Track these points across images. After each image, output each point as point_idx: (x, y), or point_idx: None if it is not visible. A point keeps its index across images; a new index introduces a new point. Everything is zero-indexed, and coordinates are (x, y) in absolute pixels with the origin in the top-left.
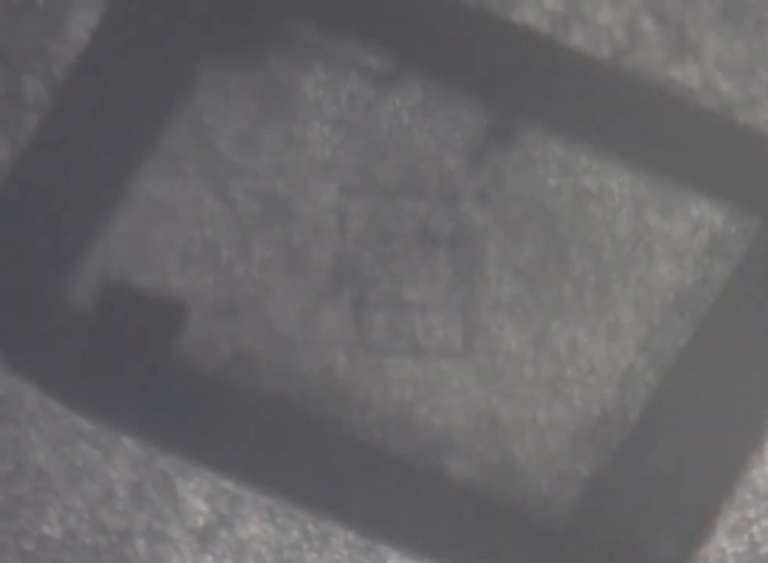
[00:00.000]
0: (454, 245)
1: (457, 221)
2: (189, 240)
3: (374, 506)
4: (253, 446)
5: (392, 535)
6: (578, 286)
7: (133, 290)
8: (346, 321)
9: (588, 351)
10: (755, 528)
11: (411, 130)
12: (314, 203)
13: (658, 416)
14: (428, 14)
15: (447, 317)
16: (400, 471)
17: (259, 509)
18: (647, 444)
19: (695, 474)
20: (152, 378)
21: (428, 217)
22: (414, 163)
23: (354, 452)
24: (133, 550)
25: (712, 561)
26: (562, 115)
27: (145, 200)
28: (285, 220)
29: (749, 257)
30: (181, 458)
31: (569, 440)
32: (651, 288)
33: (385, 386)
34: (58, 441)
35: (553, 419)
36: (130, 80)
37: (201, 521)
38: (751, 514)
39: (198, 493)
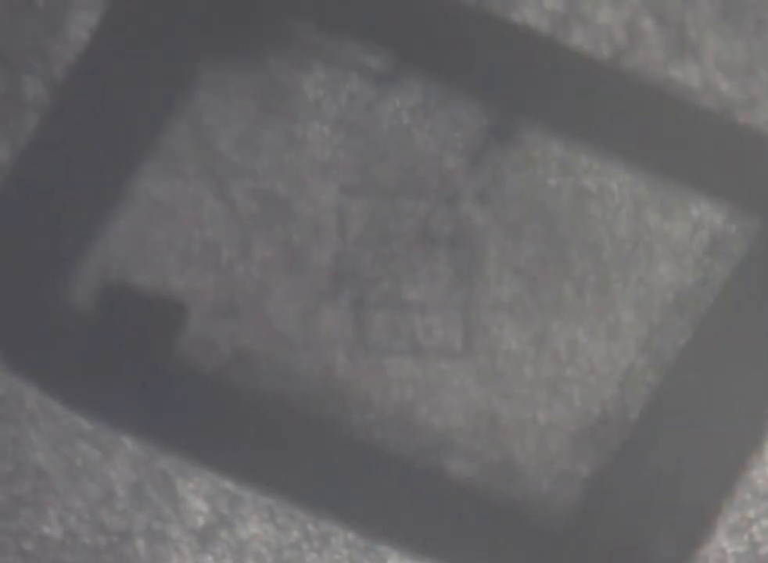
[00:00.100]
0: (454, 245)
1: (457, 221)
2: (189, 240)
3: (374, 506)
4: (253, 446)
5: (392, 535)
6: (578, 286)
7: (133, 290)
8: (346, 321)
9: (588, 351)
10: (755, 528)
11: (411, 130)
12: (314, 203)
13: (658, 416)
14: (428, 14)
15: (447, 317)
16: (400, 471)
17: (259, 509)
18: (647, 444)
19: (695, 474)
20: (152, 378)
21: (428, 217)
22: (414, 163)
23: (354, 452)
24: (133, 550)
25: (712, 561)
26: (562, 115)
27: (145, 200)
28: (285, 220)
29: (749, 257)
30: (181, 458)
31: (569, 440)
32: (651, 288)
33: (385, 386)
34: (58, 441)
35: (553, 419)
36: (130, 80)
37: (201, 521)
38: (751, 514)
39: (198, 493)
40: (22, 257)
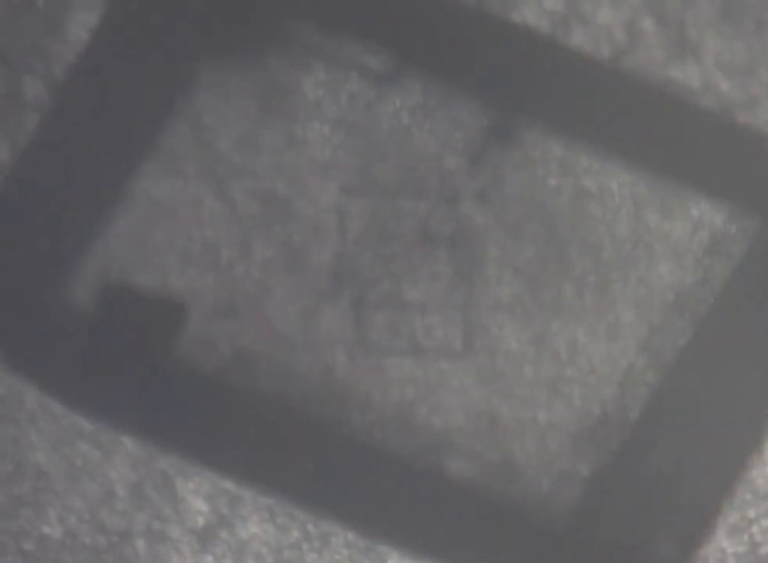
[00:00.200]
0: (454, 245)
1: (457, 221)
2: (189, 240)
3: (374, 506)
4: (253, 446)
5: (392, 535)
6: (578, 286)
7: (133, 290)
8: (346, 321)
9: (588, 351)
10: (755, 528)
11: (411, 130)
12: (314, 203)
13: (658, 416)
14: (428, 14)
15: (447, 317)
16: (400, 471)
17: (259, 509)
18: (647, 444)
19: (695, 474)
20: (152, 378)
21: (428, 217)
22: (414, 163)
23: (354, 452)
24: (133, 550)
25: (712, 561)
26: (562, 115)
27: (145, 200)
28: (285, 220)
29: (749, 257)
30: (181, 458)
31: (569, 440)
32: (651, 288)
33: (385, 386)
34: (58, 441)
35: (553, 419)
36: (130, 80)
37: (201, 521)
38: (751, 514)
39: (198, 493)
40: (22, 257)
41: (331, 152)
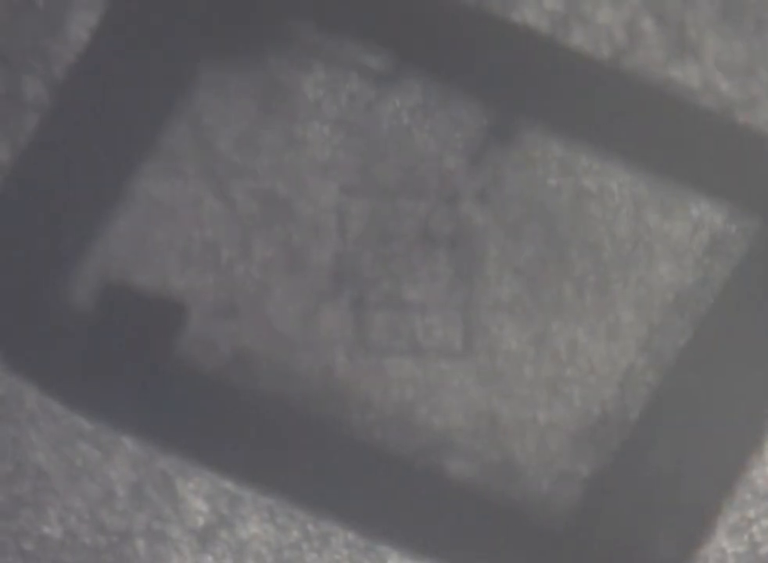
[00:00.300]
0: (454, 245)
1: (457, 221)
2: (189, 240)
3: (374, 506)
4: (253, 446)
5: (392, 535)
6: (578, 286)
7: (133, 290)
8: (346, 321)
9: (588, 351)
10: (755, 528)
11: (411, 130)
12: (314, 203)
13: (658, 416)
14: (428, 14)
15: (447, 317)
16: (400, 471)
17: (259, 509)
18: (647, 444)
19: (695, 474)
20: (152, 378)
21: (428, 217)
22: (414, 163)
23: (354, 452)
24: (133, 550)
25: (712, 561)
26: (562, 115)
27: (145, 200)
28: (285, 220)
29: (749, 257)
30: (181, 458)
31: (569, 440)
32: (651, 288)
33: (385, 386)
34: (58, 441)
35: (553, 419)
36: (130, 80)
37: (201, 521)
38: (751, 514)
39: (198, 493)
40: (22, 257)
41: (331, 152)
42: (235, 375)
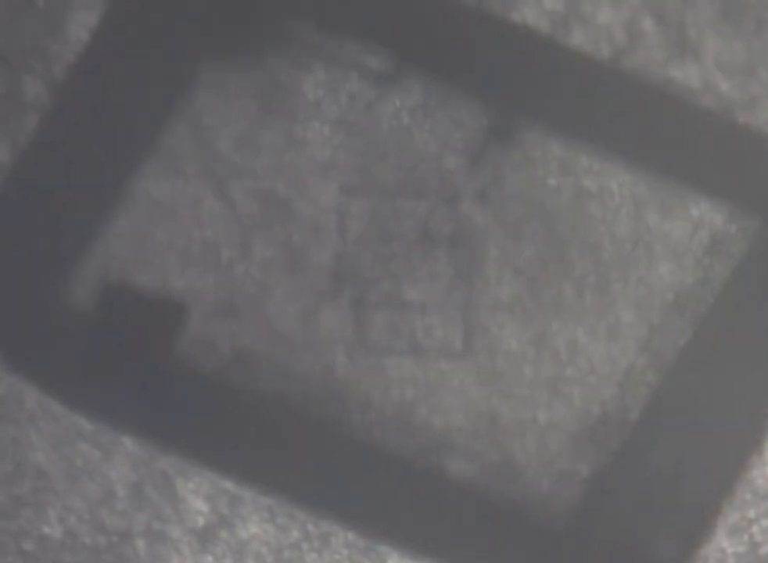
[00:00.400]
0: (454, 245)
1: (457, 221)
2: (189, 240)
3: (374, 506)
4: (253, 446)
5: (392, 535)
6: (578, 286)
7: (133, 290)
8: (346, 321)
9: (588, 351)
10: (755, 528)
11: (411, 130)
12: (314, 203)
13: (658, 416)
14: (428, 14)
15: (447, 317)
16: (400, 471)
17: (259, 509)
18: (647, 444)
19: (695, 474)
20: (152, 378)
21: (428, 217)
22: (414, 163)
23: (354, 452)
24: (133, 550)
25: (712, 561)
26: (562, 115)
27: (145, 200)
28: (285, 220)
29: (749, 257)
30: (181, 458)
31: (569, 440)
32: (651, 288)
33: (385, 386)
34: (58, 441)
35: (553, 419)
36: (130, 80)
37: (201, 521)
38: (751, 514)
39: (198, 493)
40: (22, 257)
41: (331, 152)
42: (235, 375)
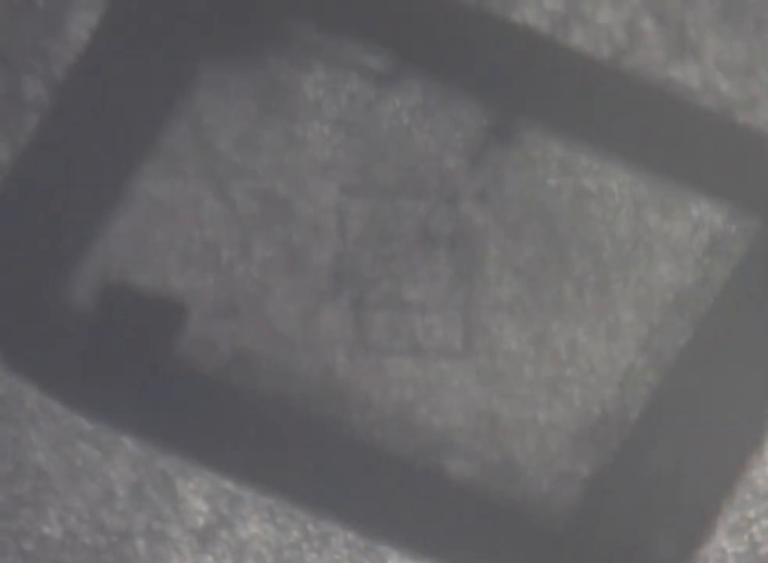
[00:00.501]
0: (454, 245)
1: (457, 221)
2: (189, 240)
3: (374, 506)
4: (253, 446)
5: (392, 535)
6: (578, 286)
7: (133, 290)
8: (346, 321)
9: (588, 351)
10: (755, 528)
11: (411, 130)
12: (314, 203)
13: (658, 416)
14: (428, 14)
15: (447, 317)
16: (400, 471)
17: (259, 509)
18: (647, 444)
19: (695, 474)
20: (152, 378)
21: (428, 217)
22: (414, 163)
23: (354, 452)
24: (133, 550)
25: (712, 561)
26: (562, 115)
27: (145, 200)
28: (285, 220)
29: (749, 257)
30: (181, 458)
31: (569, 440)
32: (651, 288)
33: (385, 386)
34: (58, 441)
35: (553, 419)
36: (130, 80)
37: (201, 521)
38: (751, 514)
39: (198, 493)
40: (22, 257)
41: (331, 152)
42: (235, 375)
